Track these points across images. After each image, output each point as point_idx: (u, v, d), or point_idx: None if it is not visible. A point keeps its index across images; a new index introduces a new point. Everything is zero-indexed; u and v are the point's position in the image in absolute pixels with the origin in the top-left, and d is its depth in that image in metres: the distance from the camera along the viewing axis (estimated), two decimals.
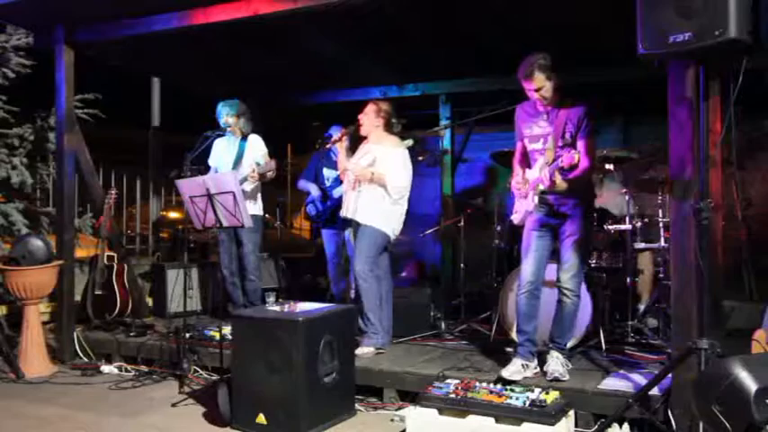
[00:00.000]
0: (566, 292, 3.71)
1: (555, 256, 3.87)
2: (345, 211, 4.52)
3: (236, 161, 5.05)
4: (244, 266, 5.06)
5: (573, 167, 3.53)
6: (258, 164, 4.90)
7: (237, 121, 5.11)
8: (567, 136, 3.67)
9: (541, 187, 3.64)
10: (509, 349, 4.18)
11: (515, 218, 3.90)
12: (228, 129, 5.10)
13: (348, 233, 5.43)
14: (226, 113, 5.09)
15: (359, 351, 4.18)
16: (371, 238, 4.38)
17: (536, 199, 3.70)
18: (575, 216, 3.70)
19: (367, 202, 4.40)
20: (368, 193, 4.41)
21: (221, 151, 5.18)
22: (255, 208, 5.04)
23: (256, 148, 5.10)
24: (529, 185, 3.76)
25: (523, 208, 3.81)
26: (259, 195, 5.13)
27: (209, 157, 5.21)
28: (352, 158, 4.58)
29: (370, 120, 4.50)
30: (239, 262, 5.09)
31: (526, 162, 3.89)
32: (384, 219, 4.40)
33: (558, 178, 3.58)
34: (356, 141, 4.75)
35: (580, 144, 3.65)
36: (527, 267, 3.79)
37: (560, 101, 3.71)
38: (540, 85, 3.61)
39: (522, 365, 3.71)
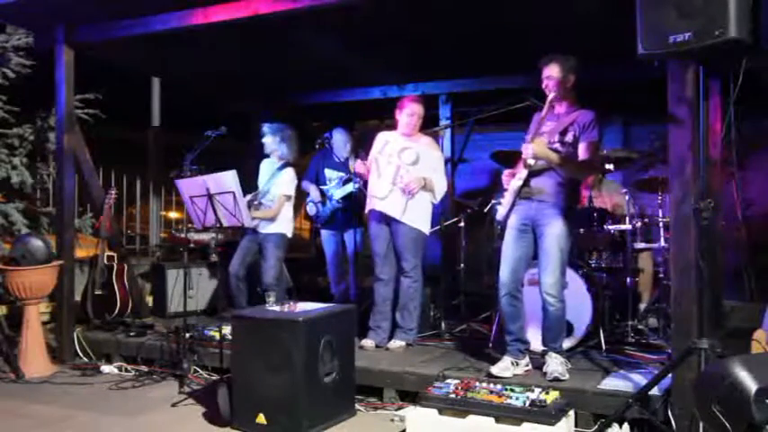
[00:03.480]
0: (548, 299, 3.70)
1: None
2: (379, 207, 4.50)
3: (265, 186, 5.09)
4: (263, 281, 5.02)
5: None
6: (261, 201, 5.00)
7: (274, 144, 5.13)
8: (570, 136, 3.70)
9: (530, 159, 3.64)
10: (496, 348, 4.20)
11: (500, 212, 3.88)
12: (268, 150, 5.16)
13: (348, 235, 5.43)
14: (265, 135, 5.15)
15: (391, 344, 4.42)
16: (421, 239, 4.51)
17: (522, 176, 3.70)
18: (555, 216, 3.69)
19: (418, 206, 4.48)
20: (419, 197, 4.48)
21: (262, 172, 5.24)
22: (282, 226, 5.04)
23: (282, 185, 5.04)
24: (518, 165, 3.78)
25: (510, 195, 3.79)
26: (290, 213, 5.11)
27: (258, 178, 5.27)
28: (384, 150, 4.58)
29: (418, 122, 4.57)
30: (248, 267, 5.10)
31: None
32: (428, 221, 4.57)
33: (537, 140, 3.61)
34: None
35: (582, 145, 3.69)
36: (504, 269, 3.80)
37: (572, 106, 3.78)
38: (550, 74, 3.71)
39: (512, 362, 3.74)
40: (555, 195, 3.72)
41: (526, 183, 3.74)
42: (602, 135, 3.79)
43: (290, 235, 5.13)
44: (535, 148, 3.62)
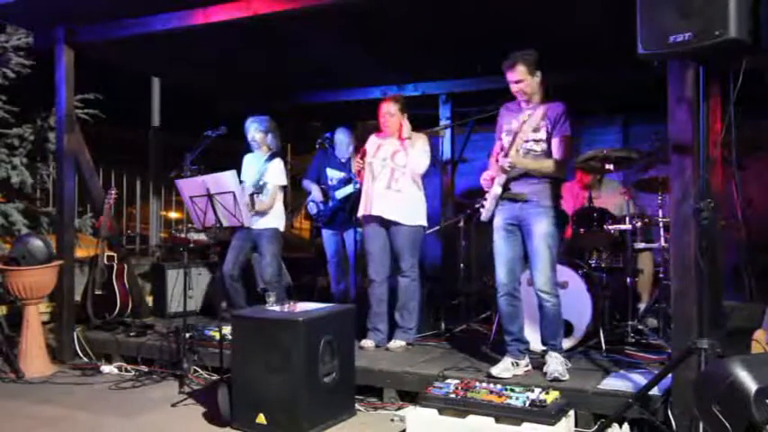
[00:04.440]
0: (543, 296, 3.70)
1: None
2: (376, 211, 4.48)
3: (257, 180, 5.05)
4: (263, 278, 5.03)
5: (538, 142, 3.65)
6: (260, 192, 4.95)
7: (265, 137, 5.11)
8: (542, 132, 3.68)
9: (505, 166, 3.63)
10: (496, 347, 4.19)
11: (484, 214, 3.87)
12: (255, 144, 5.12)
13: (348, 235, 5.43)
14: (254, 129, 5.09)
15: (391, 344, 4.42)
16: (417, 237, 4.51)
17: (501, 182, 3.70)
18: (541, 215, 3.69)
19: (409, 203, 4.47)
20: (408, 194, 4.47)
21: (248, 167, 5.17)
22: (274, 220, 5.02)
23: (274, 175, 5.03)
24: (493, 169, 3.76)
25: (491, 200, 3.79)
26: (280, 206, 5.09)
27: (241, 174, 5.16)
28: (377, 155, 4.56)
29: (396, 119, 4.51)
30: (242, 268, 5.09)
31: None
32: (424, 215, 4.55)
33: (513, 151, 3.59)
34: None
35: (555, 141, 3.68)
36: (500, 271, 3.81)
37: (543, 100, 3.76)
38: (521, 77, 3.66)
39: (512, 363, 3.75)
40: (537, 194, 3.71)
41: (506, 187, 3.73)
42: (574, 127, 3.74)
43: (282, 229, 5.10)
44: (512, 160, 3.62)
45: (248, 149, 5.20)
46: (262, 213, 4.93)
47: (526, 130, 3.64)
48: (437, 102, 6.77)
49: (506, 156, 3.63)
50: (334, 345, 3.58)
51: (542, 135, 3.70)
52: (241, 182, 5.14)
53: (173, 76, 7.12)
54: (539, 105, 3.71)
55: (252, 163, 5.17)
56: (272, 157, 5.09)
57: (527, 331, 3.94)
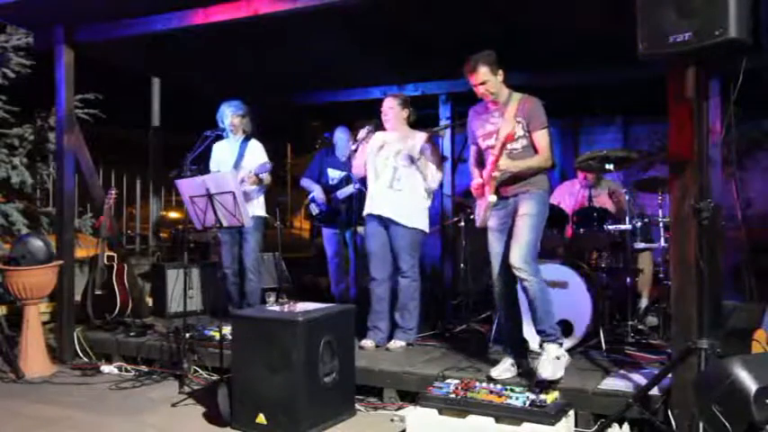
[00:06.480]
0: (521, 275, 3.54)
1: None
2: (376, 210, 4.49)
3: (236, 162, 5.03)
4: (244, 266, 5.06)
5: (515, 144, 3.63)
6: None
7: (242, 121, 5.11)
8: (519, 128, 3.64)
9: (496, 174, 3.61)
10: (496, 347, 4.19)
11: (478, 222, 3.84)
12: (231, 129, 5.07)
13: (349, 234, 5.44)
14: (231, 114, 5.05)
15: (391, 345, 4.41)
16: (417, 238, 4.50)
17: (492, 189, 3.67)
18: (527, 200, 3.65)
19: (410, 204, 4.46)
20: (409, 194, 4.46)
21: (222, 153, 5.13)
22: (258, 209, 5.04)
23: (258, 155, 5.06)
24: (484, 179, 3.73)
25: (483, 206, 3.77)
26: (262, 197, 5.14)
27: (210, 162, 5.15)
28: (380, 153, 4.56)
29: (396, 113, 4.53)
30: (240, 262, 5.09)
31: (483, 164, 3.86)
32: (424, 218, 4.54)
33: (503, 158, 3.57)
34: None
35: (535, 135, 3.66)
36: (496, 272, 3.78)
37: (510, 97, 3.73)
38: (484, 78, 3.64)
39: (512, 364, 3.73)
40: (525, 186, 3.69)
41: (497, 192, 3.71)
42: (549, 122, 3.71)
43: (263, 215, 5.15)
44: (502, 166, 3.60)
45: (218, 135, 5.09)
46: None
47: (505, 132, 3.58)
48: (437, 102, 6.77)
49: (496, 162, 3.59)
50: (334, 345, 3.58)
51: (519, 132, 3.65)
52: (210, 171, 5.14)
53: (173, 76, 7.12)
54: (507, 104, 3.70)
55: (227, 148, 5.13)
56: (247, 139, 5.11)
57: (525, 330, 3.92)
